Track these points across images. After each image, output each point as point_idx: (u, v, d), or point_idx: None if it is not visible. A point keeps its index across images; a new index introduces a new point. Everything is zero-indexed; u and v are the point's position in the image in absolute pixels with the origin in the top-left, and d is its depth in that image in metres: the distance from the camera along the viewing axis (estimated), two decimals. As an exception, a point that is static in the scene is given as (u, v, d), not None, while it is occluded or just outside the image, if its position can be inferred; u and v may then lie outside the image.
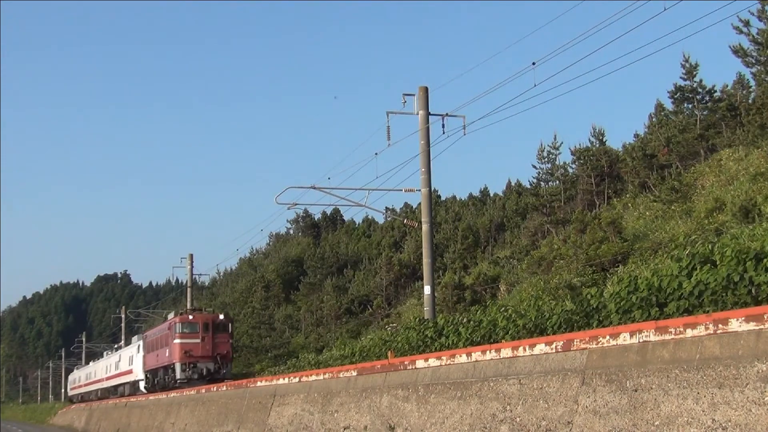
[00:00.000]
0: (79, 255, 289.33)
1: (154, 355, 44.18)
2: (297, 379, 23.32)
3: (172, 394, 38.25)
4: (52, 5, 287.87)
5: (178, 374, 38.69)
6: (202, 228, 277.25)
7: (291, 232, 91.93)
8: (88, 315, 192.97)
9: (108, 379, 61.53)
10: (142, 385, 48.39)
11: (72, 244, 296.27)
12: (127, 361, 53.82)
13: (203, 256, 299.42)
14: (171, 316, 43.48)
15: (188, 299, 56.73)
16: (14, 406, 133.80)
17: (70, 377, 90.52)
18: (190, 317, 39.98)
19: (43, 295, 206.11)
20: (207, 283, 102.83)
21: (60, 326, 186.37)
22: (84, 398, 75.06)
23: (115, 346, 78.23)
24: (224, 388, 30.15)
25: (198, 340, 39.07)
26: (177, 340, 39.23)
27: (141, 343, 49.51)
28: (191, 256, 57.12)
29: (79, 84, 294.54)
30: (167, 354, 40.62)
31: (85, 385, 74.93)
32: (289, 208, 29.61)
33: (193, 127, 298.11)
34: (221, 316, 40.84)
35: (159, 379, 43.21)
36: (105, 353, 70.98)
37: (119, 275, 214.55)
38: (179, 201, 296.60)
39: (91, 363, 77.54)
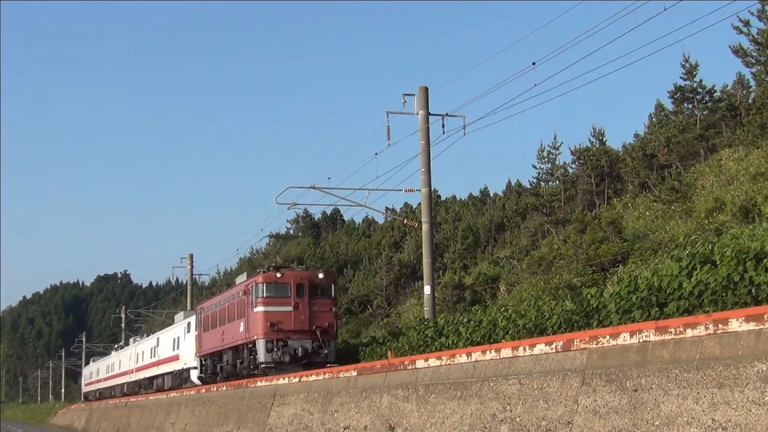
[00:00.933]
0: (79, 255, 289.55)
1: (216, 334, 33.27)
2: (297, 379, 23.34)
3: (172, 394, 38.22)
4: (51, 5, 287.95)
5: (262, 356, 27.76)
6: (202, 228, 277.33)
7: (291, 232, 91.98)
8: (88, 315, 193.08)
9: (139, 369, 50.80)
10: (194, 374, 37.77)
11: (72, 244, 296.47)
12: (171, 345, 42.79)
13: (203, 256, 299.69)
14: (243, 278, 31.69)
15: (188, 300, 56.75)
16: (14, 406, 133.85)
17: (85, 371, 79.46)
18: (278, 275, 28.48)
19: (43, 295, 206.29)
20: (207, 283, 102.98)
21: (60, 326, 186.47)
22: (103, 395, 64.78)
23: (120, 343, 77.57)
24: (224, 388, 30.17)
25: (289, 308, 28.07)
26: (260, 308, 28.18)
27: (192, 319, 38.54)
28: (191, 256, 57.24)
29: (79, 83, 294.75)
30: (241, 329, 29.73)
31: (106, 379, 64.17)
32: (289, 208, 29.67)
33: (193, 126, 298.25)
34: (321, 275, 29.05)
35: (225, 365, 32.56)
36: (132, 340, 59.30)
37: (119, 275, 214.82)
38: (179, 201, 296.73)
39: (113, 353, 66.43)
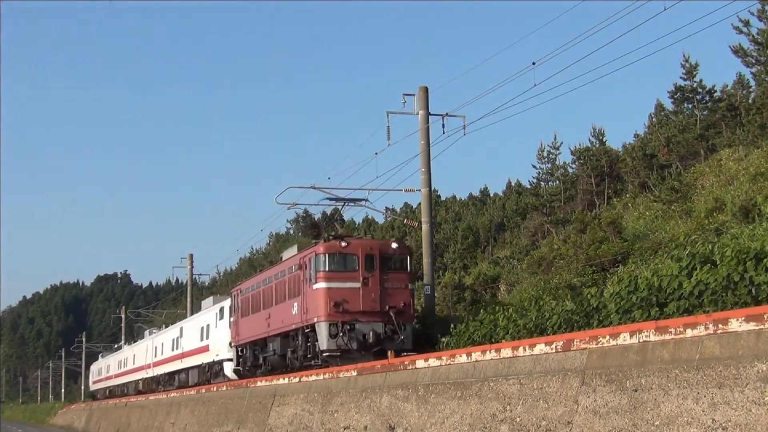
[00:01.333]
0: (79, 255, 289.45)
1: (259, 319, 28.32)
2: (297, 379, 23.35)
3: (173, 393, 38.23)
4: (48, 5, 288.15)
5: (324, 343, 22.92)
6: (202, 228, 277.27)
7: (291, 232, 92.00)
8: (88, 315, 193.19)
9: (158, 364, 45.78)
10: (228, 368, 33.08)
11: (72, 244, 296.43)
12: (198, 335, 37.62)
13: (203, 256, 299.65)
14: (293, 251, 26.92)
15: (188, 300, 56.69)
16: (14, 406, 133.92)
17: (93, 367, 73.95)
18: (343, 244, 23.79)
19: (43, 295, 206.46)
20: (207, 283, 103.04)
21: (60, 326, 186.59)
22: (114, 393, 59.50)
23: (120, 344, 77.16)
24: (224, 388, 30.18)
25: (357, 284, 23.33)
26: (321, 284, 23.33)
27: (226, 304, 33.85)
28: (191, 256, 57.18)
29: (78, 82, 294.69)
30: (295, 311, 24.87)
31: (117, 375, 58.81)
32: (289, 208, 29.59)
33: (193, 126, 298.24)
34: (394, 245, 24.52)
35: (271, 355, 27.54)
36: (147, 332, 53.77)
37: (119, 275, 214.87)
38: (179, 201, 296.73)
39: (125, 346, 61.73)
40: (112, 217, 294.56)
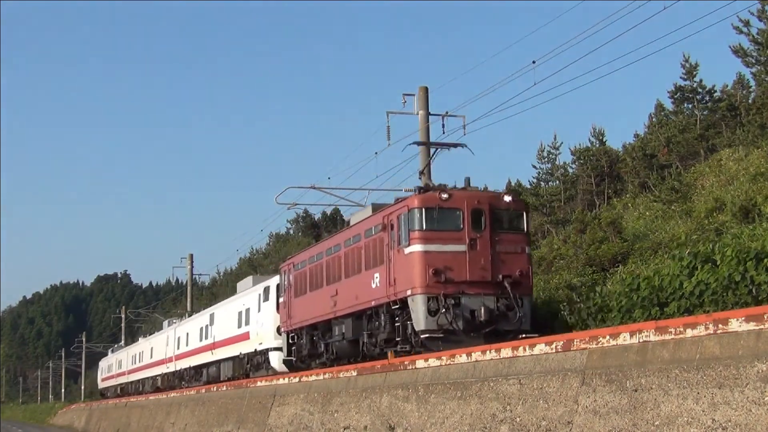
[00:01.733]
0: (79, 255, 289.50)
1: (321, 297, 23.36)
2: (297, 379, 23.35)
3: (172, 394, 38.22)
4: (51, 5, 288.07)
5: (422, 322, 18.25)
6: (202, 228, 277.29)
7: (291, 232, 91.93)
8: (88, 315, 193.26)
9: (181, 357, 40.82)
10: (275, 358, 28.17)
11: (72, 244, 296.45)
12: (235, 321, 32.45)
13: (203, 256, 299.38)
14: (366, 213, 22.09)
15: (188, 300, 56.65)
16: (14, 406, 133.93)
17: (102, 363, 68.68)
18: (444, 196, 18.89)
19: (43, 295, 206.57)
20: (207, 283, 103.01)
21: (60, 326, 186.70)
22: (126, 390, 55.21)
23: (120, 343, 77.02)
24: (224, 388, 30.18)
25: (461, 247, 18.61)
26: (416, 247, 18.61)
27: (273, 283, 29.00)
28: (191, 256, 57.10)
29: (78, 83, 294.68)
30: (376, 283, 20.08)
31: (131, 371, 53.86)
32: (289, 208, 29.61)
33: (193, 127, 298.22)
34: (508, 197, 19.54)
35: (338, 342, 22.72)
36: (166, 323, 48.25)
37: (119, 275, 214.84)
38: (179, 201, 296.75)
39: (140, 339, 55.99)
40: (111, 217, 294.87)
